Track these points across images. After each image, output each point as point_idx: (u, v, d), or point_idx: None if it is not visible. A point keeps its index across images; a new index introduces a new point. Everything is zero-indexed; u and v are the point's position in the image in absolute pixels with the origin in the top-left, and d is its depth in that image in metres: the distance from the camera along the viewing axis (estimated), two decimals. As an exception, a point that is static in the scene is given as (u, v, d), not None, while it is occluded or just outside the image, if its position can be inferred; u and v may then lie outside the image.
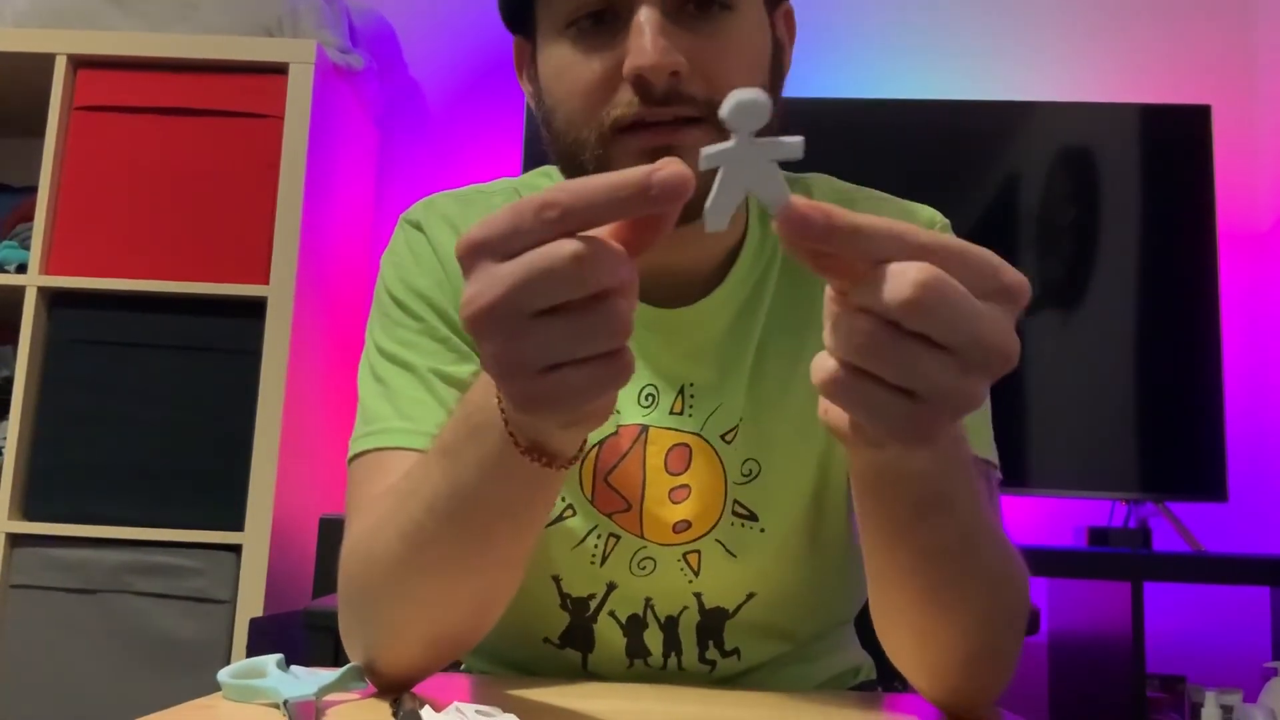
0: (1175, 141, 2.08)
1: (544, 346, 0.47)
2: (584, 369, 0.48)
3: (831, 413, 0.52)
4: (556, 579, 0.84)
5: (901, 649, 0.71)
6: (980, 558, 0.64)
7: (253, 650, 1.65)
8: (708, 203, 0.46)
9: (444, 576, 0.66)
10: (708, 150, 0.46)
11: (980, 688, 0.71)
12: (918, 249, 0.45)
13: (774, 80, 0.78)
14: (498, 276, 0.46)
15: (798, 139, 0.45)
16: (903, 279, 0.44)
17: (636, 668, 0.84)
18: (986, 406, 0.83)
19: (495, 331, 0.47)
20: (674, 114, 0.71)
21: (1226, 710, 1.74)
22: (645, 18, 0.70)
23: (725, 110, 0.45)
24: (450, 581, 0.66)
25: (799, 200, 0.45)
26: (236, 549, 1.77)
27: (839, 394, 0.47)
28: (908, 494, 0.58)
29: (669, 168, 0.45)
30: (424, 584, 0.67)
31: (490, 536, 0.64)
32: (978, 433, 0.81)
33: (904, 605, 0.66)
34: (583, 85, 0.73)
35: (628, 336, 0.48)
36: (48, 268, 1.86)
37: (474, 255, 0.48)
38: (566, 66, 0.74)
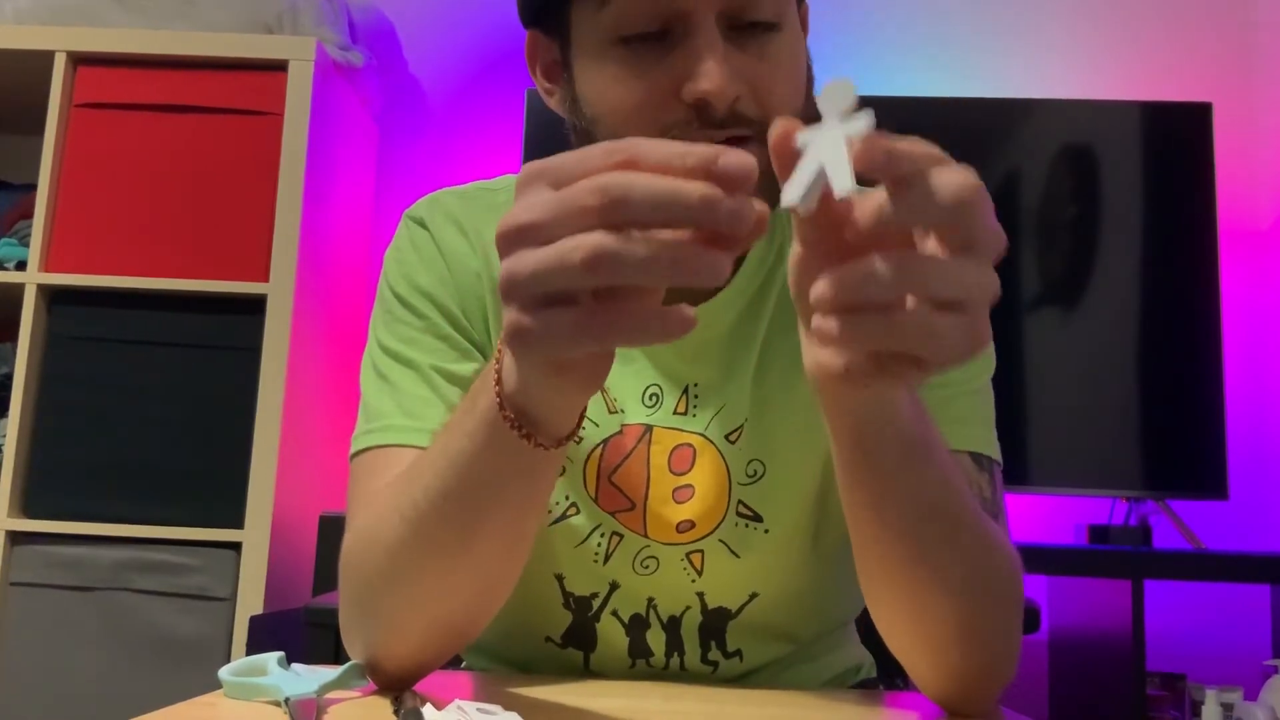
0: (1176, 139, 2.08)
1: (539, 271, 0.48)
2: (569, 312, 0.49)
3: (826, 361, 0.51)
4: (559, 577, 0.84)
5: (897, 628, 0.70)
6: (962, 514, 0.65)
7: (253, 648, 1.65)
8: (791, 184, 0.47)
9: (440, 559, 0.66)
10: (802, 133, 0.48)
11: (978, 673, 0.70)
12: (939, 157, 0.47)
13: (809, 84, 0.78)
14: (546, 203, 0.48)
15: (867, 112, 0.48)
16: (955, 184, 0.46)
17: (639, 668, 0.84)
18: (989, 404, 0.83)
19: (518, 248, 0.49)
20: (728, 135, 0.71)
21: (1227, 708, 1.74)
22: (707, 43, 0.70)
23: (819, 96, 0.48)
24: (446, 566, 0.66)
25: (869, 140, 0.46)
26: (237, 546, 1.77)
27: (898, 334, 0.47)
28: (894, 441, 0.59)
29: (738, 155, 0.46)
30: (421, 568, 0.67)
31: (481, 519, 0.64)
32: (982, 429, 0.81)
33: (895, 571, 0.66)
34: (634, 102, 0.72)
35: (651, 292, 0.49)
36: (47, 265, 1.85)
37: (536, 178, 0.50)
38: (617, 82, 0.73)
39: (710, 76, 0.69)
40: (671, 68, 0.71)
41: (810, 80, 0.79)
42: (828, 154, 0.46)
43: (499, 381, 0.58)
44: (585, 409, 0.61)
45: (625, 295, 0.50)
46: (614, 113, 0.74)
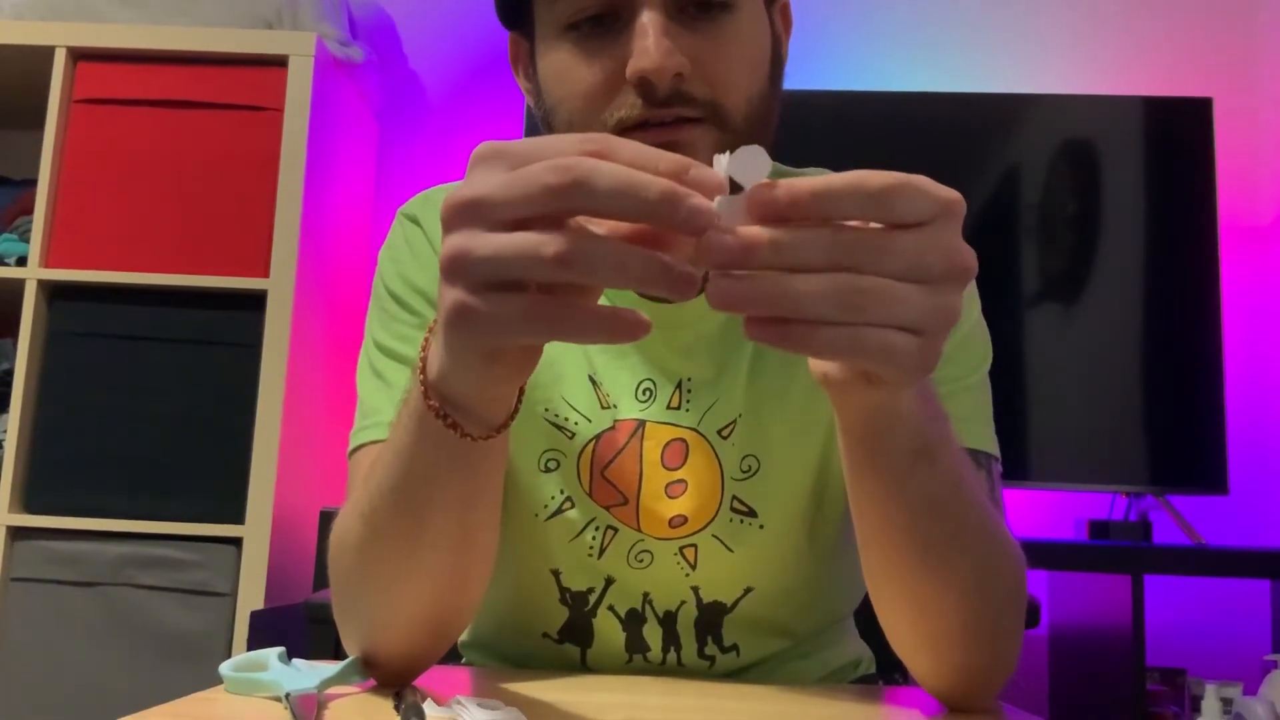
0: (1177, 134, 2.07)
1: (501, 257, 0.47)
2: (521, 300, 0.48)
3: (812, 367, 0.57)
4: (556, 573, 0.84)
5: (900, 624, 0.70)
6: (969, 513, 0.65)
7: (254, 643, 1.65)
8: None
9: (393, 555, 0.66)
10: (722, 199, 0.47)
11: (980, 670, 0.70)
12: (874, 194, 0.46)
13: (773, 76, 0.78)
14: (502, 179, 0.47)
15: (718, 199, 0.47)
16: (844, 241, 0.46)
17: (635, 663, 0.84)
18: (988, 400, 0.83)
19: (469, 224, 0.48)
20: (676, 115, 0.71)
21: (1226, 703, 1.74)
22: (648, 20, 0.70)
23: (732, 168, 0.46)
24: (400, 562, 0.66)
25: (760, 188, 0.46)
26: (237, 542, 1.77)
27: (856, 348, 0.47)
28: (901, 441, 0.59)
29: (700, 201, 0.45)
30: (379, 563, 0.67)
31: (425, 513, 0.63)
32: (979, 425, 0.81)
33: (900, 569, 0.66)
34: (585, 87, 0.73)
35: (590, 286, 0.49)
36: (47, 261, 1.85)
37: (494, 158, 0.49)
38: (568, 68, 0.74)
39: (648, 54, 0.69)
40: (618, 51, 0.71)
41: (777, 68, 0.78)
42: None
43: (424, 370, 0.57)
44: (517, 402, 0.59)
45: (570, 289, 0.49)
46: (568, 98, 0.74)
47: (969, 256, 0.49)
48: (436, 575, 0.67)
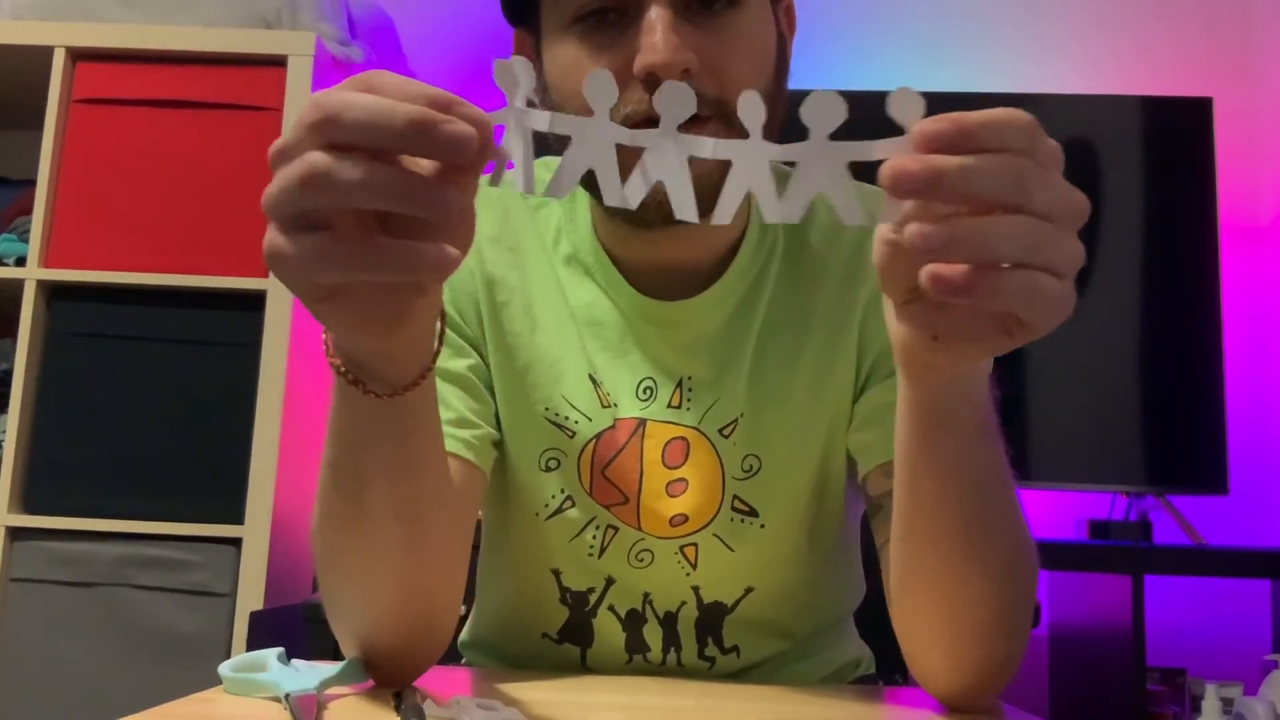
0: (1177, 134, 2.07)
1: (273, 192, 0.48)
2: (317, 238, 0.48)
3: (918, 328, 0.53)
4: (556, 573, 0.84)
5: (925, 616, 0.70)
6: (1011, 498, 0.66)
7: (253, 644, 1.65)
8: (722, 197, 0.48)
9: (342, 533, 0.65)
10: (780, 150, 0.47)
11: (992, 666, 0.70)
12: (1026, 130, 0.48)
13: (778, 74, 0.78)
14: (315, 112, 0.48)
15: (876, 142, 0.48)
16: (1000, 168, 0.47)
17: (635, 663, 0.84)
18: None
19: (273, 168, 0.49)
20: None
21: (1227, 703, 1.74)
22: (656, 16, 0.70)
23: (891, 109, 0.48)
24: (349, 538, 0.65)
25: (926, 123, 0.47)
26: (237, 542, 1.77)
27: (1031, 294, 0.47)
28: (970, 412, 0.60)
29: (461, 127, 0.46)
30: (335, 545, 0.67)
31: (360, 483, 0.63)
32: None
33: (941, 552, 0.66)
34: None
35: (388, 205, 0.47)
36: (47, 261, 1.85)
37: (306, 106, 0.49)
38: (574, 64, 0.74)
39: (655, 49, 0.69)
40: (625, 47, 0.71)
41: (782, 66, 0.79)
42: (826, 178, 0.47)
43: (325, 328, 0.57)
44: (427, 367, 0.59)
45: (412, 229, 0.49)
46: (575, 95, 0.74)
47: (1086, 199, 0.49)
48: (388, 554, 0.66)
